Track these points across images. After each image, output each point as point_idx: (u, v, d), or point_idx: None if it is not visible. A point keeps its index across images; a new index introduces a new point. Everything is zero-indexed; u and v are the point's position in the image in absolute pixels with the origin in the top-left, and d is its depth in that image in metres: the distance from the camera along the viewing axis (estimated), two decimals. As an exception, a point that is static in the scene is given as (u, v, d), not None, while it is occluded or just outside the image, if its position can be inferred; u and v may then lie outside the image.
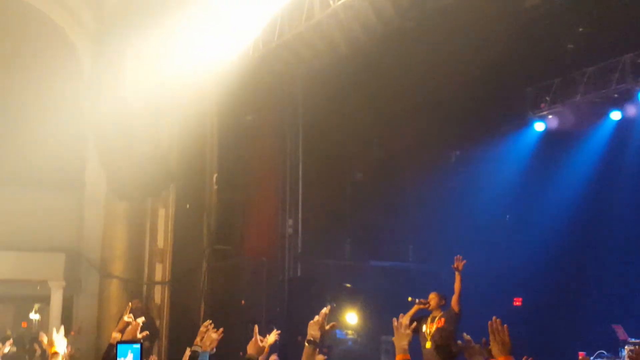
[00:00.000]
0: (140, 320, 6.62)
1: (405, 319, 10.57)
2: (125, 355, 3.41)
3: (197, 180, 14.62)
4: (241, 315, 13.17)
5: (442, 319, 10.31)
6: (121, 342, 3.24)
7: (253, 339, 6.75)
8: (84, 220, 15.04)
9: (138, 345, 3.45)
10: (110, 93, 13.49)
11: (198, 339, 7.78)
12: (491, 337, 4.59)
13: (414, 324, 5.29)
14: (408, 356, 5.49)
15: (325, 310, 5.49)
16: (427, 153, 16.78)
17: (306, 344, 5.08)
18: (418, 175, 16.73)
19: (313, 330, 5.23)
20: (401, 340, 5.33)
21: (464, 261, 10.21)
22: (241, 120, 14.65)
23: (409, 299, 10.54)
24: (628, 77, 14.21)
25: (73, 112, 13.98)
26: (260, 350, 6.76)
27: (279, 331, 8.03)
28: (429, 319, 10.47)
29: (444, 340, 4.74)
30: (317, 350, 5.12)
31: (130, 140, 13.82)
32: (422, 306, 10.49)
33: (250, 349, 6.63)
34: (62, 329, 5.32)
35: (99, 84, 13.76)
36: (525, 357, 6.24)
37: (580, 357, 12.43)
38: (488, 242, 15.84)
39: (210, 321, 7.76)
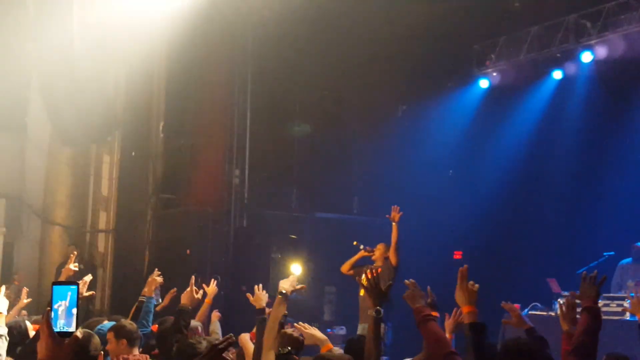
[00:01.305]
0: (88, 279, 6.65)
1: (345, 266, 10.66)
2: (64, 298, 3.37)
3: (143, 127, 14.46)
4: (186, 265, 13.19)
5: (379, 269, 10.49)
6: (56, 283, 3.19)
7: (188, 289, 6.89)
8: (25, 165, 14.76)
9: (75, 287, 3.42)
10: (55, 34, 13.16)
11: (145, 288, 7.89)
12: (459, 285, 4.63)
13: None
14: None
15: (296, 275, 5.97)
16: (374, 106, 16.86)
17: (279, 295, 5.50)
18: (365, 128, 16.83)
19: (286, 285, 5.62)
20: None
21: (401, 212, 10.33)
22: (189, 67, 14.44)
23: (355, 243, 10.64)
24: (571, 37, 14.50)
25: (16, 52, 13.62)
26: (194, 301, 6.91)
27: (216, 280, 8.16)
28: (370, 269, 10.63)
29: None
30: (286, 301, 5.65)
31: (74, 83, 13.55)
32: (366, 253, 10.63)
33: (184, 299, 6.78)
34: (3, 288, 5.31)
35: (43, 24, 13.41)
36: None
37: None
38: (431, 196, 16.08)
39: (158, 270, 7.83)
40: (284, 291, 5.65)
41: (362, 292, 10.39)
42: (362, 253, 10.64)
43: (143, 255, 13.94)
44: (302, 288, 6.03)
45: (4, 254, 14.63)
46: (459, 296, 4.62)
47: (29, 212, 14.55)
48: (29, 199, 14.54)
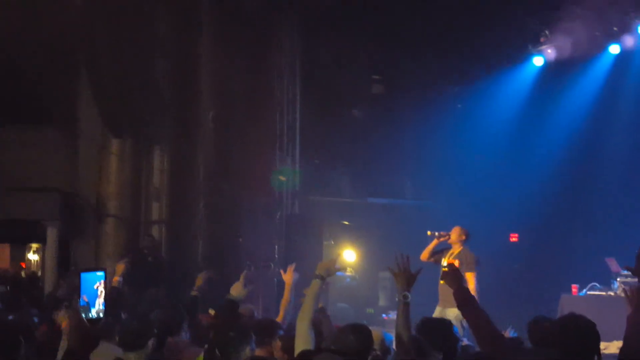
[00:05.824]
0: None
1: (424, 254, 10.57)
2: (93, 285, 3.30)
3: (192, 117, 14.42)
4: (238, 253, 13.19)
5: (457, 260, 10.29)
6: (84, 270, 3.15)
7: (238, 282, 6.88)
8: (78, 158, 14.85)
9: (102, 273, 3.37)
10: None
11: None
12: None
13: (416, 273, 5.17)
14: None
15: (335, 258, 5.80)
16: (425, 88, 16.63)
17: (315, 279, 5.32)
18: (416, 111, 16.60)
19: (321, 269, 5.44)
20: (402, 283, 5.18)
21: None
22: (237, 53, 14.33)
23: (429, 232, 10.55)
24: (629, 10, 14.10)
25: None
26: (243, 294, 6.92)
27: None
28: (448, 253, 10.50)
29: (400, 266, 4.83)
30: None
31: (122, 73, 13.54)
32: (441, 239, 10.52)
33: (234, 291, 6.80)
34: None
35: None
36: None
37: (573, 290, 12.64)
38: (486, 178, 15.84)
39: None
40: (320, 274, 5.44)
41: (442, 282, 10.27)
42: (437, 240, 10.52)
43: (196, 244, 13.94)
44: (341, 268, 6.00)
45: (60, 247, 14.73)
46: None
47: (82, 204, 14.62)
48: (83, 191, 14.62)
